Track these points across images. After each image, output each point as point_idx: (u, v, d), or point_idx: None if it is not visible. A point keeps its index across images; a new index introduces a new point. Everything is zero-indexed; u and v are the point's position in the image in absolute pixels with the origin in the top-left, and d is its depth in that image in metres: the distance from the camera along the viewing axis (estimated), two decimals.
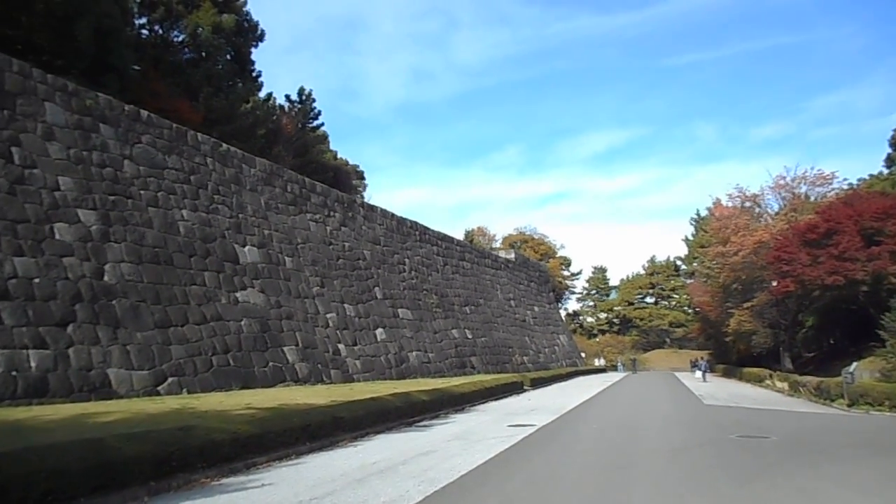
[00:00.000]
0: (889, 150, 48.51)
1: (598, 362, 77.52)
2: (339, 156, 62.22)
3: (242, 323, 22.86)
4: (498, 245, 79.56)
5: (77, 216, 18.40)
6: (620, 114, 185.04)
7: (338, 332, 27.89)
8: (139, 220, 20.45)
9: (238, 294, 23.49)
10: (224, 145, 26.44)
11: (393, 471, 9.44)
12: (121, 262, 18.96)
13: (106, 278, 18.23)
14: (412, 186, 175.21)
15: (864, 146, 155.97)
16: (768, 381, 34.22)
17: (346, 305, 29.57)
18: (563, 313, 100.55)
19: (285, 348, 24.19)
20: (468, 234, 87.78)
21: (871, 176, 48.97)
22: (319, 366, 25.46)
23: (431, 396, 18.81)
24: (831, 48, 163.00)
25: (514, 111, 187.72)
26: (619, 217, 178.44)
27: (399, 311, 34.25)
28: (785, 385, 29.80)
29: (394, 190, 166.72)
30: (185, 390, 18.58)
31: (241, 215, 25.71)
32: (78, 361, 16.09)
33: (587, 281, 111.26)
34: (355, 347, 28.49)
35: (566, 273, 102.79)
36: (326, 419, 12.98)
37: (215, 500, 7.68)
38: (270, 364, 23.04)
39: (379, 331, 31.22)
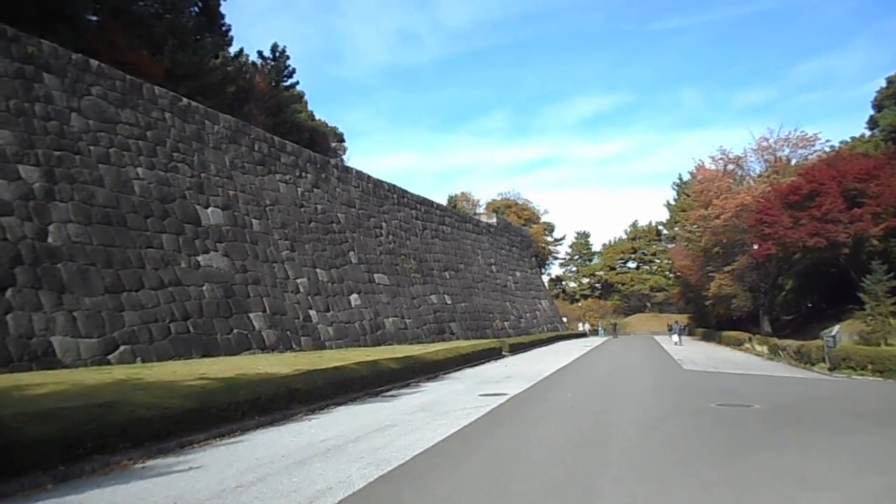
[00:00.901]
0: (872, 112, 47.73)
1: (582, 327, 77.31)
2: (317, 117, 60.41)
3: (204, 288, 21.73)
4: (482, 210, 78.45)
5: (17, 172, 17.02)
6: (607, 79, 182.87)
7: (309, 297, 26.84)
8: (88, 178, 19.08)
9: (200, 258, 22.30)
10: (184, 100, 24.92)
11: (341, 450, 8.51)
12: (67, 223, 17.66)
13: (50, 240, 16.96)
14: (398, 152, 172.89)
15: (847, 111, 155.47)
16: (747, 345, 33.84)
17: (318, 270, 28.48)
18: (545, 279, 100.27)
19: (251, 314, 23.13)
20: (451, 199, 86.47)
21: (853, 139, 48.31)
22: (289, 333, 24.46)
23: (402, 364, 17.91)
24: (816, 13, 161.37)
25: (500, 75, 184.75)
26: (603, 183, 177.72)
27: (375, 276, 33.23)
28: (764, 348, 29.36)
29: (379, 155, 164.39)
30: (139, 359, 17.52)
31: (203, 174, 24.37)
32: (17, 329, 14.93)
33: (570, 246, 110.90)
34: (328, 314, 27.49)
35: (549, 238, 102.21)
36: (280, 391, 12.01)
37: (127, 489, 6.69)
38: (235, 331, 22.00)
39: (353, 296, 30.22)
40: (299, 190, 29.98)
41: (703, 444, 8.58)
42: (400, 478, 6.83)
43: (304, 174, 30.67)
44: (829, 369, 19.10)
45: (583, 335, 67.53)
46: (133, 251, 19.45)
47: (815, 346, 21.73)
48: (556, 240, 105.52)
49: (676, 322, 52.92)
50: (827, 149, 41.91)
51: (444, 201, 66.28)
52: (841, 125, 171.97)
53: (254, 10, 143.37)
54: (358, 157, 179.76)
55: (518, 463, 7.49)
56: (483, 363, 26.34)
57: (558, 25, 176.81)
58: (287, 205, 28.60)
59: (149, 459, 8.18)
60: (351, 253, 31.94)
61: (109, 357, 16.79)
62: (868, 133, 47.78)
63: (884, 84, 46.28)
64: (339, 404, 13.51)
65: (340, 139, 69.26)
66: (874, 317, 26.48)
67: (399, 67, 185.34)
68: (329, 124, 66.58)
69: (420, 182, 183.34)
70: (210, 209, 23.96)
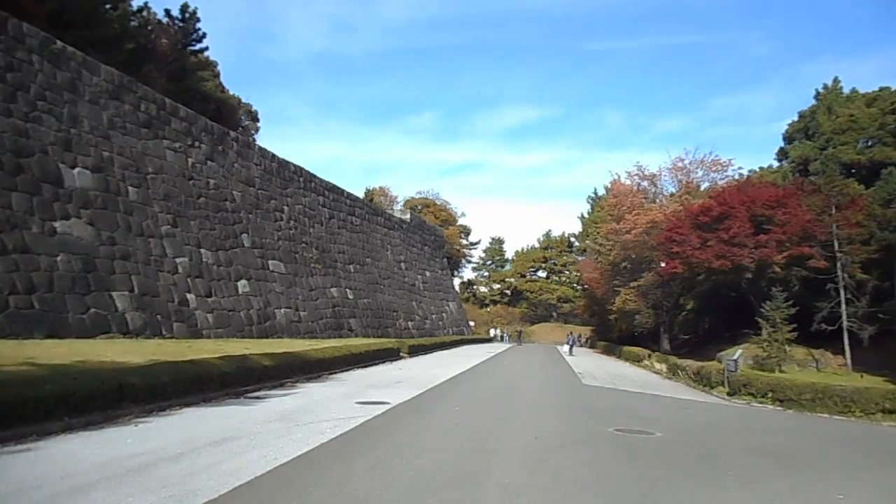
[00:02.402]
0: (782, 144, 49.48)
1: (494, 332, 76.76)
2: (230, 91, 56.73)
3: (59, 259, 18.83)
4: (399, 207, 76.56)
5: None
6: (537, 91, 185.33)
7: (188, 279, 24.17)
8: None
9: (57, 224, 19.36)
10: (58, 43, 21.74)
11: (147, 472, 6.53)
12: None
13: None
14: (323, 141, 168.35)
15: (756, 146, 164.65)
16: (647, 361, 33.69)
17: (202, 250, 25.80)
18: (457, 281, 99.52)
19: (115, 293, 20.34)
20: (368, 192, 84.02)
21: (761, 168, 49.91)
22: (159, 317, 21.78)
23: (277, 361, 15.85)
24: (736, 51, 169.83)
25: (433, 76, 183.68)
26: (523, 193, 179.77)
27: (270, 262, 30.74)
28: (664, 367, 29.05)
29: (302, 142, 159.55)
30: None
31: (73, 130, 21.32)
32: None
33: (484, 251, 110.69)
34: (209, 299, 24.88)
35: (465, 242, 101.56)
36: (105, 387, 9.78)
37: None
38: (92, 311, 19.20)
39: (242, 282, 27.68)
40: (190, 160, 27.16)
41: (600, 483, 7.17)
42: None
43: (197, 143, 27.83)
44: (729, 394, 18.53)
45: (488, 340, 66.93)
46: None
47: (715, 368, 21.27)
48: (472, 243, 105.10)
49: (571, 333, 53.36)
50: (737, 176, 42.94)
51: (361, 194, 64.07)
52: (751, 158, 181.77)
53: None
54: (280, 142, 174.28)
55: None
56: (376, 364, 24.54)
57: (495, 33, 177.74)
58: (173, 175, 25.76)
59: None
60: (244, 235, 29.34)
61: None
62: (776, 164, 49.46)
63: (796, 118, 48.03)
64: (188, 405, 11.39)
65: (254, 118, 65.42)
66: (770, 342, 26.60)
67: (331, 56, 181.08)
68: (244, 100, 63.02)
69: (343, 174, 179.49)
70: (77, 170, 20.97)
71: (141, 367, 11.30)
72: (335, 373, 19.53)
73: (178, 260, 24.05)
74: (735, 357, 19.94)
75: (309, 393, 14.29)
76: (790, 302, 27.50)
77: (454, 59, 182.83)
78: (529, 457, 8.35)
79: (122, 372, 10.64)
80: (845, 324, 29.63)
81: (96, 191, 21.41)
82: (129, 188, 23.09)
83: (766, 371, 23.67)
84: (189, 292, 23.92)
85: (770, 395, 16.88)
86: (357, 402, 12.79)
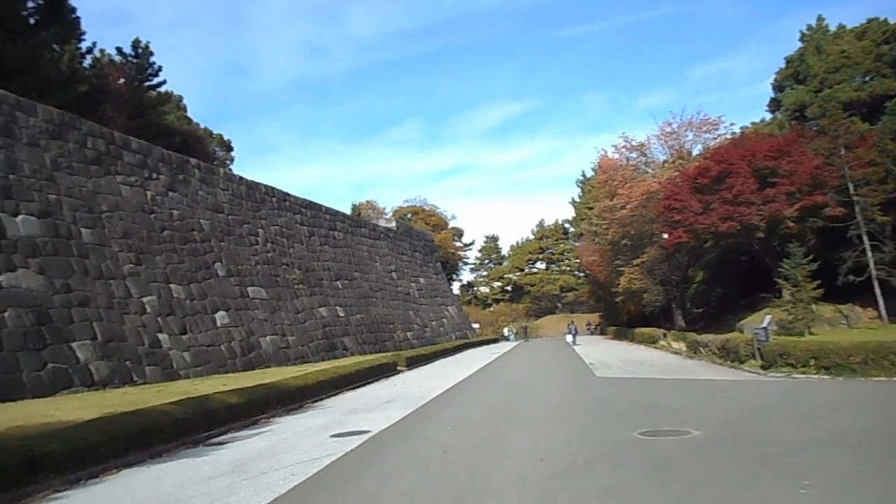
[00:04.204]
0: (772, 95, 47.64)
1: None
2: (198, 123, 55.24)
3: (7, 314, 17.23)
4: (387, 218, 74.96)
5: None
6: (515, 86, 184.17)
7: (158, 318, 22.56)
8: None
9: (2, 277, 17.78)
10: None
11: None
12: None
13: None
14: (308, 164, 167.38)
15: (744, 109, 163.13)
16: (662, 342, 31.95)
17: (172, 286, 24.19)
18: (457, 285, 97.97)
19: (75, 344, 18.73)
20: (356, 207, 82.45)
21: (753, 123, 48.00)
22: (128, 363, 20.16)
23: (247, 397, 14.24)
24: (709, 18, 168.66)
25: (411, 86, 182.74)
26: (513, 189, 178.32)
27: (249, 289, 29.14)
28: (682, 345, 27.23)
29: (289, 168, 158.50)
30: None
31: (11, 176, 19.74)
32: None
33: (479, 251, 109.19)
34: (184, 337, 23.26)
35: (458, 244, 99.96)
36: (13, 460, 8.18)
37: None
38: (50, 366, 17.59)
39: (220, 314, 26.06)
40: (149, 193, 25.57)
41: None
42: None
43: (154, 175, 26.25)
44: (763, 367, 16.61)
45: (494, 340, 65.21)
46: None
47: (742, 340, 19.37)
48: (465, 245, 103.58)
49: (572, 322, 52.18)
50: (729, 135, 40.93)
51: (348, 211, 62.50)
52: (740, 118, 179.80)
53: (154, 23, 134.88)
54: (265, 170, 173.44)
55: None
56: (370, 383, 22.92)
57: (467, 35, 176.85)
58: (131, 211, 24.17)
59: None
60: (217, 264, 27.73)
61: None
62: (770, 116, 47.58)
63: (783, 65, 46.18)
64: (130, 465, 9.79)
65: (227, 147, 64.08)
66: (795, 304, 24.65)
67: (308, 80, 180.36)
68: (214, 132, 61.45)
69: (333, 194, 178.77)
70: (20, 217, 19.38)
71: (67, 429, 9.68)
72: (320, 399, 17.90)
73: (144, 299, 22.44)
74: (764, 324, 18.07)
75: (282, 429, 12.67)
76: (810, 257, 25.62)
77: (429, 67, 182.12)
78: (532, 491, 6.71)
79: (39, 438, 9.03)
80: (874, 273, 27.66)
81: (45, 237, 19.82)
82: (83, 230, 21.50)
83: (795, 336, 21.91)
84: (160, 332, 22.30)
85: (813, 362, 15.02)
86: (332, 436, 11.18)
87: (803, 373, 15.14)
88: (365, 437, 10.80)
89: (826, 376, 14.60)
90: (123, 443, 10.03)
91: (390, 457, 8.91)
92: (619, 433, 9.52)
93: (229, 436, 12.37)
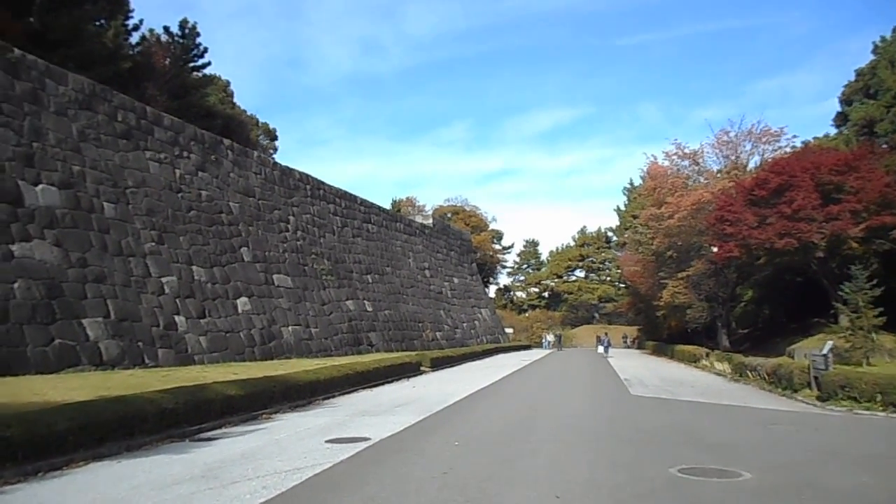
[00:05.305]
0: (839, 109, 45.00)
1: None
2: (243, 108, 55.19)
3: (16, 286, 16.70)
4: (426, 215, 73.99)
5: None
6: (568, 92, 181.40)
7: (177, 300, 21.89)
8: None
9: (15, 247, 17.25)
10: (16, 51, 19.78)
11: None
12: None
13: None
14: (356, 160, 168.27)
15: (806, 127, 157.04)
16: (705, 362, 29.99)
17: (194, 267, 23.54)
18: (493, 288, 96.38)
19: (86, 321, 18.13)
20: (395, 203, 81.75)
21: (816, 139, 45.37)
22: (140, 344, 19.50)
23: (248, 389, 13.25)
24: (775, 33, 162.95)
25: (463, 87, 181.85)
26: (560, 196, 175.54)
27: (274, 276, 28.38)
28: (726, 366, 25.34)
29: (336, 162, 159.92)
30: None
31: (35, 144, 19.28)
32: None
33: (518, 255, 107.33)
34: (202, 321, 22.56)
35: (497, 247, 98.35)
36: None
37: None
38: (57, 342, 17.00)
39: (242, 300, 25.33)
40: (178, 172, 24.99)
41: None
42: None
43: (185, 153, 25.69)
44: (820, 399, 14.88)
45: (526, 347, 63.54)
46: None
47: (797, 366, 17.55)
48: (504, 248, 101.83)
49: (606, 334, 50.26)
50: (790, 148, 38.32)
51: (388, 207, 61.77)
52: (802, 134, 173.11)
53: (214, 13, 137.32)
54: (315, 163, 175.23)
55: None
56: (389, 382, 21.83)
57: (523, 38, 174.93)
58: (158, 188, 23.60)
59: None
60: (244, 249, 27.04)
61: None
62: (835, 132, 44.96)
63: (853, 78, 43.55)
64: (102, 457, 8.85)
65: (272, 136, 63.98)
66: (854, 331, 22.60)
67: (361, 76, 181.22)
68: (261, 121, 61.38)
69: (378, 191, 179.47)
70: (41, 187, 18.90)
71: (31, 413, 8.78)
72: (332, 396, 16.87)
73: (164, 279, 21.81)
74: (824, 351, 16.28)
75: (279, 428, 11.63)
76: (874, 282, 23.55)
77: (482, 69, 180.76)
78: None
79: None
80: None
81: (64, 209, 19.30)
82: (105, 204, 20.97)
83: (853, 365, 19.95)
84: (177, 314, 21.62)
85: (880, 398, 13.30)
86: (327, 441, 10.07)
87: (867, 408, 13.36)
88: (362, 445, 9.66)
89: (894, 415, 12.86)
90: (98, 432, 9.09)
91: (380, 475, 7.70)
92: (653, 468, 8.12)
93: (222, 431, 11.39)
